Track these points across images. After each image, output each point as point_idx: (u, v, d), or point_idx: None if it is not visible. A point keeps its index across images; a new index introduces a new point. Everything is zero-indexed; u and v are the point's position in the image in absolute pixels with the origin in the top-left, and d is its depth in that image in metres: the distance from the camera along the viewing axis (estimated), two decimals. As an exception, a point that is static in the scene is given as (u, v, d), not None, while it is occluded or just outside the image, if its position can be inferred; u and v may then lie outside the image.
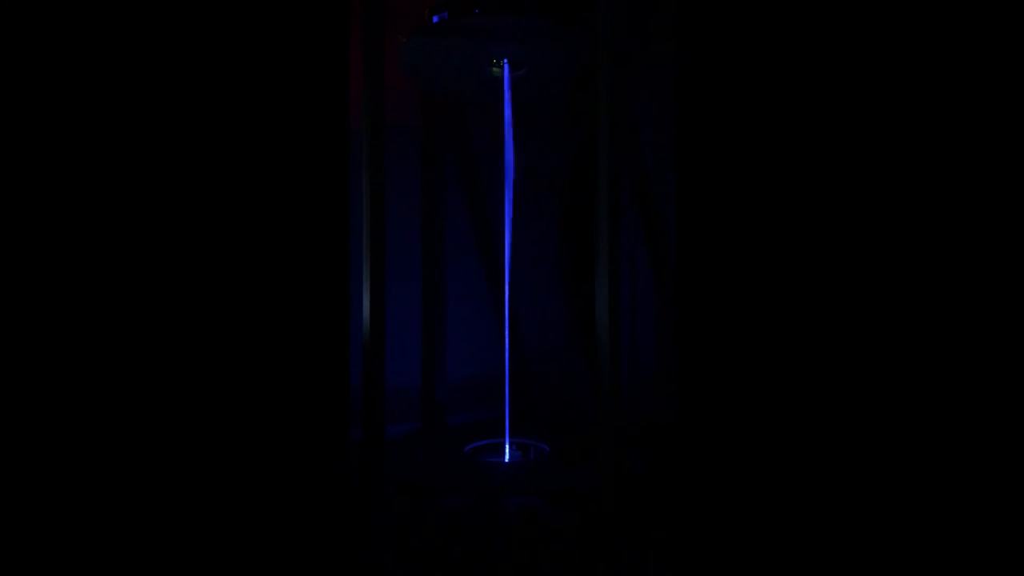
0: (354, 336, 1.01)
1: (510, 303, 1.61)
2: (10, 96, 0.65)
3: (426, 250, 1.80)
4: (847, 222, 0.71)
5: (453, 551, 0.96)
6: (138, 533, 0.67)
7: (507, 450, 1.49)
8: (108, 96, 0.67)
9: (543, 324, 1.95)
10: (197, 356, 0.69)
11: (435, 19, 1.30)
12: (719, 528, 0.74)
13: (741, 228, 0.74)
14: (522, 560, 0.99)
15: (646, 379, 1.80)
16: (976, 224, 0.67)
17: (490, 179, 1.89)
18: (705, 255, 0.76)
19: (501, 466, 1.41)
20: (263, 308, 0.71)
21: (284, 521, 0.71)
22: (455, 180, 1.88)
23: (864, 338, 0.70)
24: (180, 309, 0.69)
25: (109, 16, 0.67)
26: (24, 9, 0.65)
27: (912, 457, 0.68)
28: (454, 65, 1.50)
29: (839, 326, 0.71)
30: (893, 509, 0.68)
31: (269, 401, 0.70)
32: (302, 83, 0.72)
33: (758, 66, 0.74)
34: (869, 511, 0.69)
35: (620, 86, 1.11)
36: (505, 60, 1.47)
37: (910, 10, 0.69)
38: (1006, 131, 0.66)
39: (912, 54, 0.69)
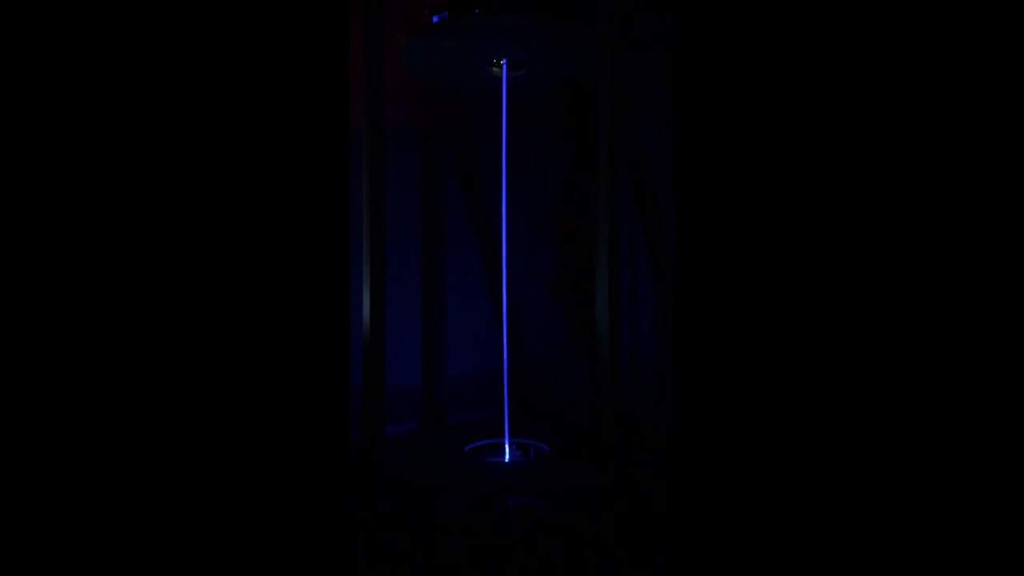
0: (354, 336, 1.02)
1: (510, 303, 1.61)
2: (10, 96, 0.65)
3: (426, 250, 1.80)
4: (847, 222, 0.71)
5: (453, 551, 0.96)
6: (139, 534, 0.67)
7: (507, 450, 1.49)
8: (108, 97, 0.67)
9: (543, 324, 1.95)
10: (197, 357, 0.69)
11: (435, 19, 1.30)
12: (719, 528, 0.74)
13: (741, 228, 0.74)
14: (522, 560, 0.99)
15: (646, 379, 1.80)
16: (975, 224, 0.67)
17: (490, 179, 1.88)
18: (705, 255, 0.76)
19: (501, 466, 1.41)
20: (263, 309, 0.71)
21: (284, 521, 0.71)
22: (455, 180, 1.88)
23: (864, 338, 0.70)
24: (180, 310, 0.69)
25: (109, 16, 0.67)
26: (24, 9, 0.65)
27: (912, 457, 0.68)
28: (454, 65, 1.50)
29: (839, 326, 0.71)
30: (893, 510, 0.68)
31: (269, 402, 0.70)
32: (302, 83, 0.72)
33: (758, 66, 0.74)
34: (869, 511, 0.69)
35: (620, 86, 1.11)
36: (504, 60, 1.47)
37: (908, 12, 0.69)
38: (1005, 132, 0.66)
39: (909, 57, 0.69)
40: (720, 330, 0.75)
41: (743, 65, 0.74)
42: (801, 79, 0.72)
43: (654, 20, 1.67)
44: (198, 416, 0.69)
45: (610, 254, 1.10)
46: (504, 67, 1.47)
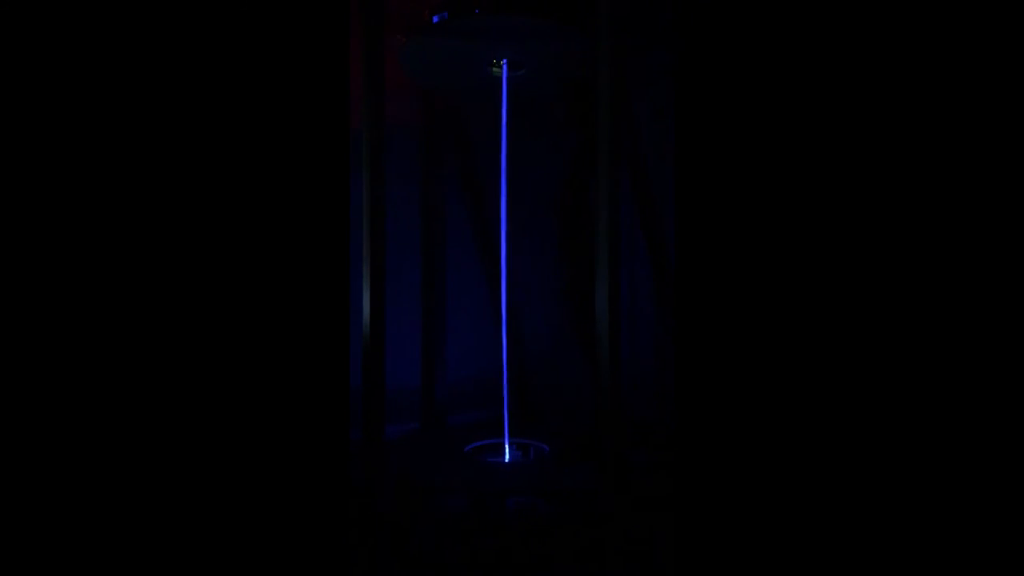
0: (354, 336, 1.01)
1: (510, 302, 1.60)
2: (10, 96, 0.65)
3: (426, 250, 1.80)
4: (847, 222, 0.71)
5: (453, 551, 0.96)
6: (139, 534, 0.67)
7: (507, 450, 1.49)
8: (108, 96, 0.67)
9: (543, 324, 1.95)
10: (197, 357, 0.69)
11: (435, 19, 1.30)
12: (719, 528, 0.74)
13: (741, 228, 0.74)
14: (522, 560, 0.99)
15: (646, 379, 1.80)
16: (975, 225, 0.67)
17: (490, 179, 1.88)
18: (705, 255, 0.76)
19: (501, 466, 1.41)
20: (263, 309, 0.71)
21: (284, 521, 0.71)
22: (455, 180, 1.87)
23: (864, 338, 0.70)
24: (180, 310, 0.68)
25: (109, 16, 0.67)
26: (24, 9, 0.65)
27: (911, 457, 0.68)
28: (454, 65, 1.50)
29: (839, 326, 0.70)
30: (892, 510, 0.68)
31: (270, 402, 0.70)
32: (302, 83, 0.72)
33: (758, 66, 0.74)
34: (868, 511, 0.69)
35: (620, 86, 1.11)
36: (504, 60, 1.47)
37: (908, 12, 0.69)
38: (1005, 132, 0.66)
39: (909, 56, 0.69)
40: (719, 329, 0.75)
41: (743, 65, 0.74)
42: (801, 79, 0.72)
43: (654, 20, 1.67)
44: (198, 416, 0.69)
45: (610, 254, 1.10)
46: (504, 67, 1.47)
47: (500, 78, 1.50)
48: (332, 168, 0.74)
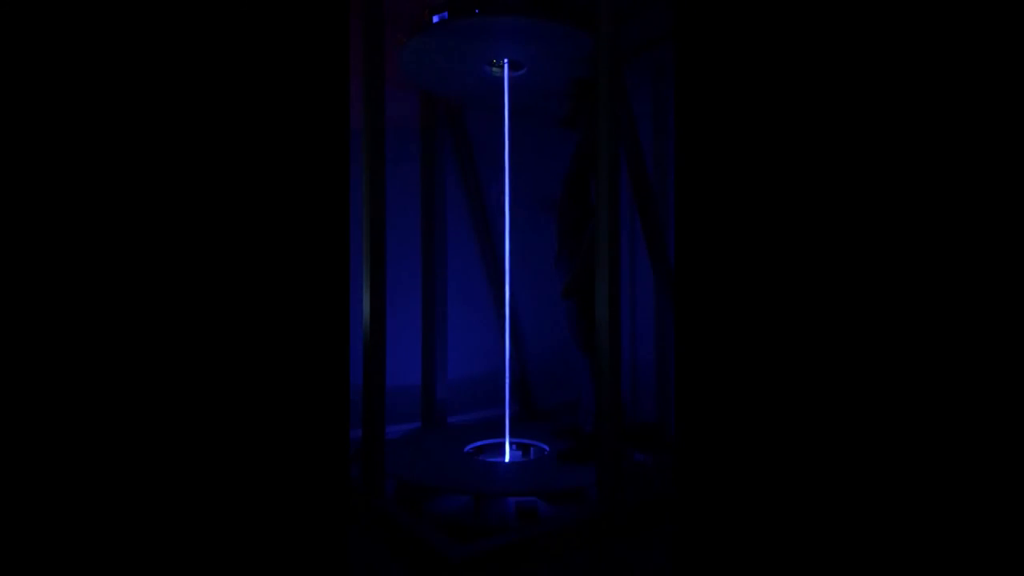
0: (354, 336, 1.01)
1: (510, 303, 1.61)
2: (8, 95, 0.65)
3: (426, 250, 1.80)
4: (848, 223, 0.71)
5: (453, 551, 0.96)
6: (137, 533, 0.67)
7: (507, 450, 1.49)
8: (106, 95, 0.67)
9: (543, 324, 1.95)
10: (196, 357, 0.69)
11: (435, 19, 1.30)
12: (720, 528, 0.74)
13: (741, 228, 0.74)
14: (521, 559, 0.99)
15: (646, 379, 1.80)
16: (977, 225, 0.67)
17: (490, 178, 1.89)
18: (704, 255, 0.76)
19: (501, 466, 1.41)
20: (263, 308, 0.71)
21: (284, 521, 0.71)
22: (455, 179, 1.88)
23: (865, 339, 0.70)
24: (179, 310, 0.69)
25: (108, 14, 0.67)
26: (23, 8, 0.65)
27: (912, 459, 0.68)
28: (454, 65, 1.50)
29: (840, 327, 0.71)
30: (892, 511, 0.68)
31: (269, 401, 0.71)
32: (302, 83, 0.72)
33: (759, 66, 0.74)
34: (869, 512, 0.69)
35: (620, 86, 1.11)
36: (505, 60, 1.47)
37: (910, 11, 0.69)
38: (1007, 132, 0.66)
39: (912, 56, 0.69)
40: (720, 329, 0.75)
41: (744, 65, 0.74)
42: (803, 80, 0.72)
43: (655, 20, 1.67)
44: (198, 416, 0.69)
45: (610, 254, 1.10)
46: (506, 67, 1.47)
47: (500, 78, 1.51)
48: (332, 168, 0.74)
